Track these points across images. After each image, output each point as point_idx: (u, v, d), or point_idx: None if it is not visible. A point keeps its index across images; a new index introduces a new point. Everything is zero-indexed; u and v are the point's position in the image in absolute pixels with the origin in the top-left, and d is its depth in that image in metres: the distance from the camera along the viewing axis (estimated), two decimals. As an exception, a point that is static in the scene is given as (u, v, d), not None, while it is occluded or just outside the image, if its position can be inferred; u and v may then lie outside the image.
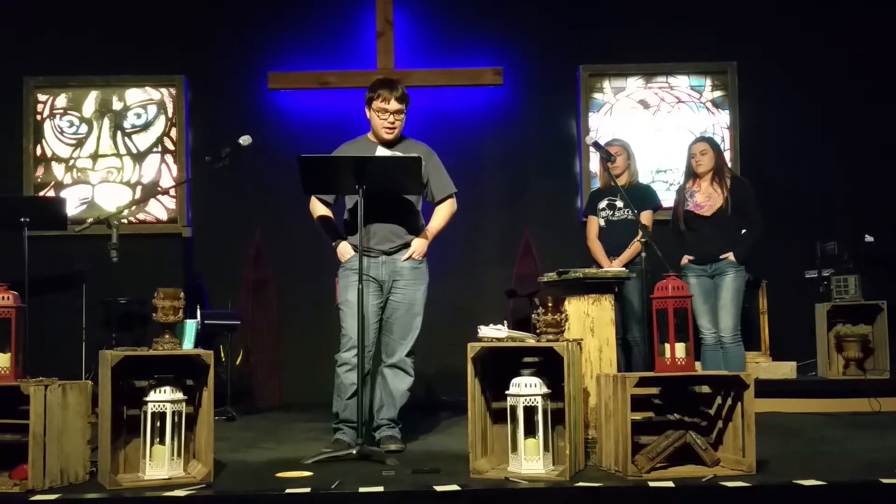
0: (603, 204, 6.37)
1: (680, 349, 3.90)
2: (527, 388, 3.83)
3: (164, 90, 7.93)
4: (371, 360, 4.85)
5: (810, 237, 7.42)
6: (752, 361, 6.62)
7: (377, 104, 4.87)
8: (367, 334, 4.67)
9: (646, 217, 6.13)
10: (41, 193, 7.75)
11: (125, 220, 7.36)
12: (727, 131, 7.96)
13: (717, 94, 8.01)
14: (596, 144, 5.43)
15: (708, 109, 8.01)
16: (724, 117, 7.98)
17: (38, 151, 7.85)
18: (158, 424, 3.79)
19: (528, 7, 7.97)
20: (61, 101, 7.90)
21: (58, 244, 7.23)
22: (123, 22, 7.86)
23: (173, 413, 3.79)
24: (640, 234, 5.08)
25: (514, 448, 3.86)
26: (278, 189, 7.36)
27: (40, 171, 7.84)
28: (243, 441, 5.23)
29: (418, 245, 4.90)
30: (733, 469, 3.84)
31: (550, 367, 3.87)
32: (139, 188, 7.87)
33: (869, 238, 7.29)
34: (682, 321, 3.92)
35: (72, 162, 7.88)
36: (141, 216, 7.86)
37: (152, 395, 3.79)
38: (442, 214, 5.04)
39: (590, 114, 7.96)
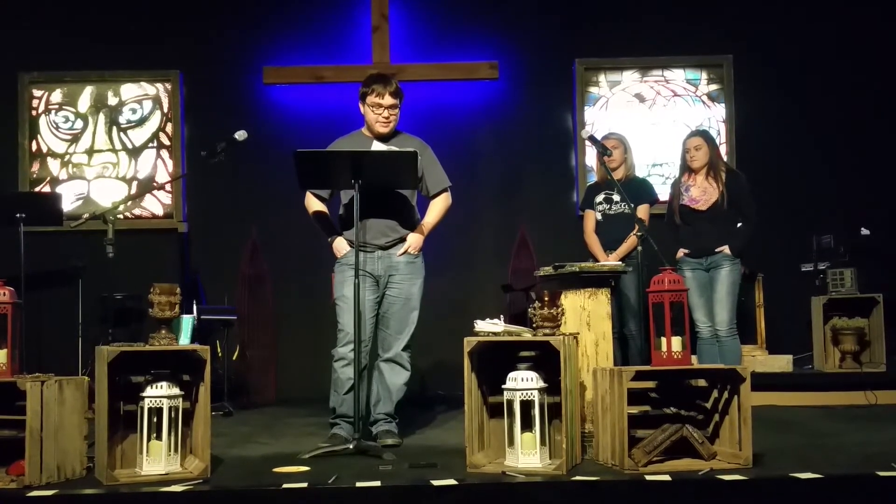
0: (599, 198, 6.36)
1: (676, 343, 3.90)
2: (523, 383, 3.83)
3: (159, 85, 7.93)
4: (367, 355, 4.85)
5: (806, 230, 7.43)
6: (748, 355, 6.62)
7: (371, 99, 4.87)
8: (363, 329, 4.67)
9: (642, 211, 6.12)
10: (37, 189, 7.75)
11: (121, 216, 7.36)
12: (723, 125, 7.96)
13: (713, 87, 8.01)
14: (591, 138, 5.42)
15: (704, 103, 8.01)
16: (719, 111, 7.98)
17: (34, 147, 7.84)
18: (155, 420, 3.79)
19: (524, 1, 7.96)
20: (56, 96, 7.89)
21: (54, 240, 7.24)
22: (118, 17, 7.85)
23: (170, 408, 3.78)
24: (637, 228, 5.08)
25: (511, 442, 3.87)
26: (274, 184, 7.36)
27: (36, 167, 7.83)
28: (240, 436, 5.23)
29: (414, 240, 4.90)
30: (730, 462, 3.84)
31: (547, 361, 3.87)
32: (135, 183, 7.87)
33: (865, 231, 7.29)
34: (679, 315, 3.92)
35: (67, 157, 7.87)
36: (137, 211, 7.86)
37: (149, 391, 3.78)
38: (437, 209, 5.04)
39: (585, 108, 7.96)
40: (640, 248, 5.07)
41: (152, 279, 4.03)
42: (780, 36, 7.92)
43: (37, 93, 7.87)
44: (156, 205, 7.87)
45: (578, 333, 4.32)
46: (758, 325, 7.12)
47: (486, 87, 7.89)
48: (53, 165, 7.85)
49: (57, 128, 7.88)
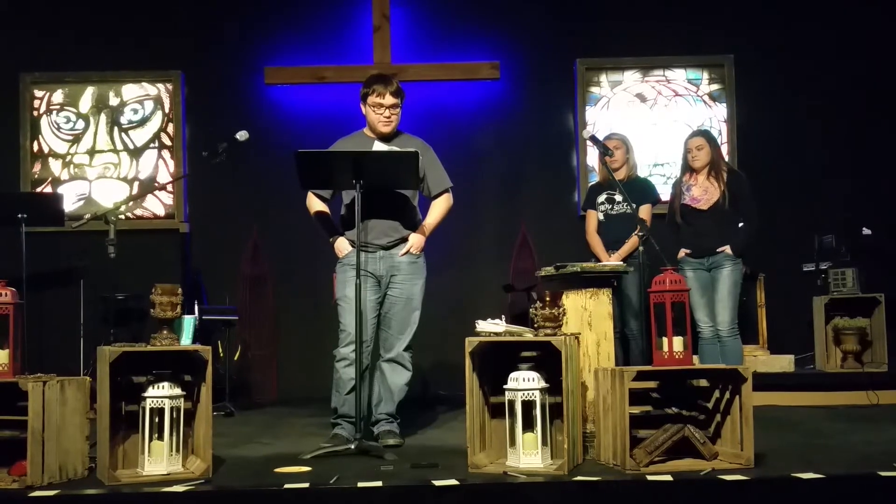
0: (601, 198, 6.36)
1: (678, 343, 3.90)
2: (525, 383, 3.83)
3: (160, 85, 7.93)
4: (369, 355, 4.86)
5: (808, 230, 7.42)
6: (749, 355, 6.62)
7: (372, 99, 4.87)
8: (365, 329, 4.67)
9: (644, 211, 6.12)
10: (38, 189, 7.75)
11: (122, 216, 7.35)
12: (724, 124, 7.96)
13: (714, 87, 8.01)
14: (593, 138, 5.41)
15: (705, 103, 8.01)
16: (721, 110, 7.98)
17: (35, 147, 7.84)
18: (157, 420, 3.79)
19: (525, 1, 7.96)
20: (58, 96, 7.89)
21: (55, 240, 7.24)
22: (120, 17, 7.85)
23: (171, 409, 3.79)
24: (638, 228, 5.08)
25: (513, 442, 3.86)
26: (275, 184, 7.36)
27: (37, 167, 7.83)
28: (242, 436, 5.23)
29: (415, 240, 4.90)
30: (731, 462, 3.84)
31: (548, 361, 3.87)
32: (136, 184, 7.87)
33: (866, 231, 7.28)
34: (680, 315, 3.92)
35: (69, 158, 7.87)
36: (138, 212, 7.86)
37: (150, 391, 3.79)
38: (438, 209, 5.04)
39: (587, 108, 7.96)
40: (641, 248, 5.08)
41: (154, 279, 4.04)
42: (781, 35, 7.91)
43: (38, 93, 7.88)
44: (157, 205, 7.87)
45: (580, 333, 4.32)
46: (759, 324, 7.12)
47: (487, 87, 7.89)
48: (55, 166, 7.86)
49: (58, 128, 7.89)
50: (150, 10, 7.87)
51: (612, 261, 5.99)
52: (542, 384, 3.84)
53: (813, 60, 7.89)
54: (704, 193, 5.95)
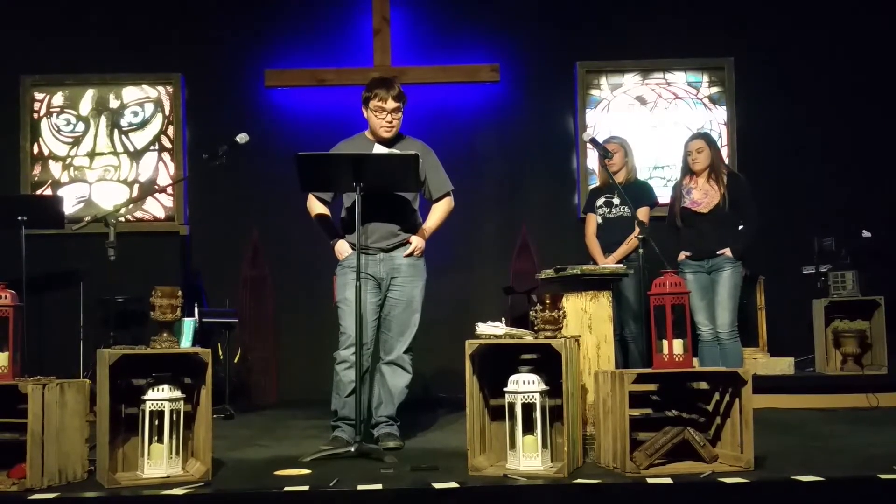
0: (600, 201, 6.36)
1: (678, 345, 3.90)
2: (525, 385, 3.83)
3: (160, 88, 7.93)
4: (370, 358, 4.86)
5: (808, 233, 7.41)
6: (749, 357, 6.62)
7: (374, 104, 4.87)
8: (365, 332, 4.67)
9: (642, 214, 6.11)
10: (38, 192, 7.75)
11: (122, 219, 7.36)
12: (724, 127, 7.96)
13: (715, 89, 8.01)
14: (593, 141, 5.41)
15: (705, 105, 8.01)
16: (721, 113, 7.98)
17: (35, 150, 7.84)
18: (157, 423, 3.79)
19: (525, 3, 7.97)
20: (58, 99, 7.89)
21: (55, 243, 7.24)
22: (120, 20, 7.85)
23: (171, 411, 3.79)
24: (638, 230, 5.08)
25: (513, 445, 3.86)
26: (276, 187, 7.36)
27: (37, 170, 7.83)
28: (241, 439, 5.23)
29: (418, 242, 4.90)
30: (731, 465, 3.84)
31: (548, 363, 3.87)
32: (136, 186, 7.87)
33: (866, 233, 7.28)
34: (680, 317, 3.92)
35: (69, 160, 7.87)
36: (138, 214, 7.86)
37: (150, 394, 3.79)
38: (439, 212, 5.04)
39: (587, 110, 7.96)
40: (641, 250, 5.07)
41: (154, 282, 4.03)
42: (780, 38, 7.92)
43: (38, 96, 7.88)
44: (157, 207, 7.87)
45: (580, 336, 4.31)
46: (759, 327, 7.12)
47: (487, 89, 7.89)
48: (55, 168, 7.86)
49: (58, 131, 7.89)
50: (150, 12, 7.87)
51: (609, 263, 5.98)
52: (542, 387, 3.84)
53: (813, 63, 7.90)
54: (705, 196, 5.95)
